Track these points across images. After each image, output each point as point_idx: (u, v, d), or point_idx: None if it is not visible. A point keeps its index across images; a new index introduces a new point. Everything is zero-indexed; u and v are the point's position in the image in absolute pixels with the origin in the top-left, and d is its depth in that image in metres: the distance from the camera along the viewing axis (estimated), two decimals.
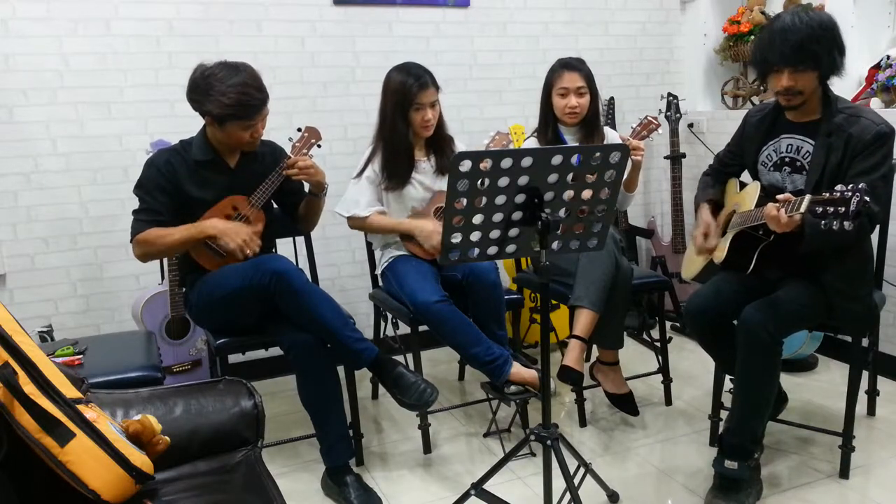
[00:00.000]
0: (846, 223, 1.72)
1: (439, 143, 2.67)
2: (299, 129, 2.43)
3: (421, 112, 2.54)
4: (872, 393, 2.67)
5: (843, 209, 1.72)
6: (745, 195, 2.24)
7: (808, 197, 1.82)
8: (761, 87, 3.62)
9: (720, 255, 2.22)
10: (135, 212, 2.28)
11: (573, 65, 2.65)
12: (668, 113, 3.76)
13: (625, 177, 2.64)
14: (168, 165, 2.28)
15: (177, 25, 3.01)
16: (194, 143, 2.33)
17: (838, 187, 1.76)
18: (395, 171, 2.59)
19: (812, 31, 1.98)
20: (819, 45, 1.99)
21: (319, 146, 2.43)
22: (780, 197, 1.92)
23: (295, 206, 2.54)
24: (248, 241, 2.24)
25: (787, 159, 2.19)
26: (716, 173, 2.48)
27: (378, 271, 2.74)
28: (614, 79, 3.87)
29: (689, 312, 2.28)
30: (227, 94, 2.15)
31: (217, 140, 2.31)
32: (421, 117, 2.55)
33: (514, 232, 1.83)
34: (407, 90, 2.50)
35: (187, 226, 2.24)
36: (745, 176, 2.41)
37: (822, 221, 1.77)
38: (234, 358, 2.49)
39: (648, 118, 2.64)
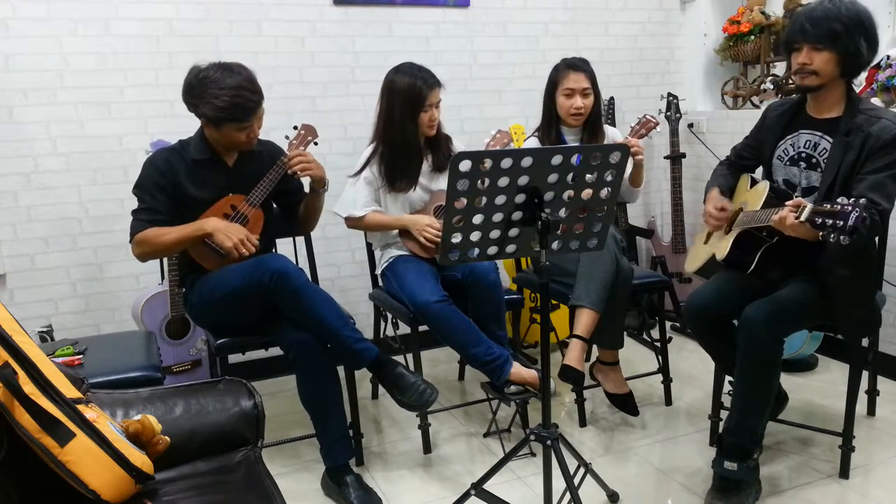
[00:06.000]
0: (842, 237, 1.72)
1: (437, 141, 2.67)
2: (295, 127, 2.42)
3: (429, 112, 2.54)
4: (872, 393, 2.67)
5: (842, 223, 1.72)
6: (753, 194, 2.23)
7: (809, 206, 1.82)
8: (762, 88, 3.62)
9: (722, 252, 2.21)
10: (134, 211, 2.28)
11: (578, 65, 2.65)
12: (668, 113, 3.76)
13: (627, 174, 2.65)
14: (167, 164, 2.28)
15: (177, 25, 3.01)
16: (192, 143, 2.33)
17: (840, 200, 1.75)
18: (405, 174, 2.59)
19: (837, 12, 2.00)
20: (840, 24, 1.98)
21: (316, 143, 2.43)
22: (789, 203, 1.91)
23: (294, 206, 2.53)
24: (243, 240, 2.22)
25: (803, 155, 2.18)
26: (732, 165, 2.46)
27: (378, 271, 2.74)
28: (614, 79, 3.86)
29: (689, 310, 2.28)
30: (221, 96, 2.14)
31: (214, 140, 2.31)
32: (429, 117, 2.55)
33: (514, 232, 1.83)
34: (417, 91, 2.50)
35: (185, 225, 2.24)
36: (759, 172, 2.39)
37: (820, 233, 1.76)
38: (234, 358, 2.49)
39: (647, 117, 2.65)
